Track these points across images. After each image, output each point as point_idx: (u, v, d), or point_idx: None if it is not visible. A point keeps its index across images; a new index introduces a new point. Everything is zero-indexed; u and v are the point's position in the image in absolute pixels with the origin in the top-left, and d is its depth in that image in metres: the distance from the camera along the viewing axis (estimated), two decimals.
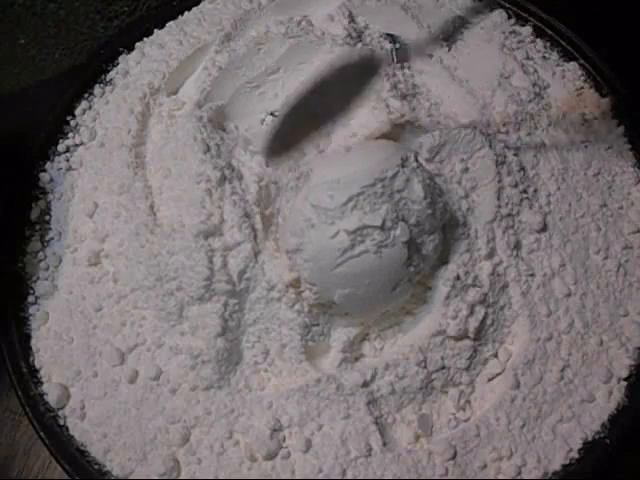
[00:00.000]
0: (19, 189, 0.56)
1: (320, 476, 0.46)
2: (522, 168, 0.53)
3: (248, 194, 0.50)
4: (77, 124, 0.59)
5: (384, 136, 0.52)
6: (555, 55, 0.62)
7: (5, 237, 0.54)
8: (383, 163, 0.46)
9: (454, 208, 0.50)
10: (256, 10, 0.62)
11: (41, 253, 0.54)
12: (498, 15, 0.63)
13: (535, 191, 0.53)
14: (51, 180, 0.57)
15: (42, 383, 0.50)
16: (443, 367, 0.48)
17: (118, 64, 0.61)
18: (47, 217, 0.56)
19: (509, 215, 0.52)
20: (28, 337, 0.51)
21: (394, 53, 0.58)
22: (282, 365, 0.48)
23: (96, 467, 0.47)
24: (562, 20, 0.62)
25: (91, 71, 0.61)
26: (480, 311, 0.49)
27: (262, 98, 0.58)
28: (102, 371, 0.50)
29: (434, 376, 0.48)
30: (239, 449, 0.47)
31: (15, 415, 0.56)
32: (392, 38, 0.59)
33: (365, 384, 0.47)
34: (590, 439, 0.47)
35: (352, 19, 0.59)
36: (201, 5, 0.64)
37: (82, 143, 0.58)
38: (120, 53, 0.62)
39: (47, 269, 0.53)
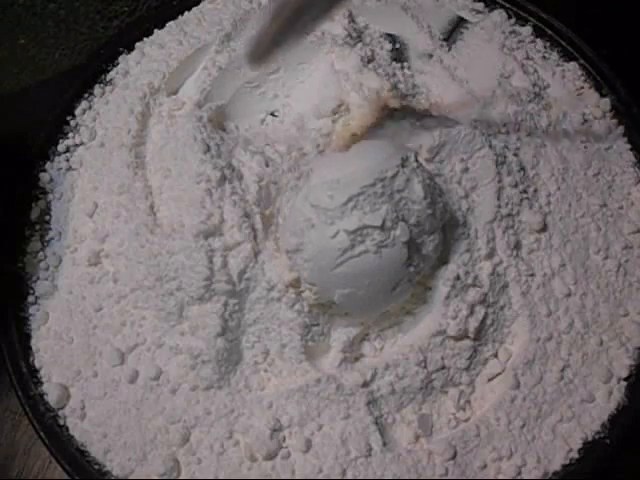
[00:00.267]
0: (19, 189, 0.56)
1: (320, 476, 0.46)
2: (522, 168, 0.53)
3: (248, 194, 0.50)
4: (77, 124, 0.59)
5: (379, 120, 0.52)
6: (555, 55, 0.62)
7: (5, 237, 0.54)
8: (383, 163, 0.46)
9: (454, 208, 0.50)
10: (256, 10, 0.62)
11: (41, 253, 0.54)
12: (498, 15, 0.63)
13: (535, 191, 0.53)
14: (51, 180, 0.57)
15: (42, 383, 0.50)
16: (443, 367, 0.48)
17: (118, 64, 0.61)
18: (47, 217, 0.56)
19: (509, 215, 0.52)
20: (28, 337, 0.51)
21: (394, 53, 0.58)
22: (282, 365, 0.48)
23: (96, 467, 0.47)
24: (562, 20, 0.62)
25: (91, 71, 0.61)
26: (480, 311, 0.49)
27: (262, 98, 0.58)
28: (102, 371, 0.50)
29: (434, 376, 0.48)
30: (239, 449, 0.47)
31: (15, 415, 0.56)
32: (392, 38, 0.59)
33: (365, 384, 0.47)
34: (590, 439, 0.47)
35: (352, 19, 0.59)
36: (201, 5, 0.64)
37: (82, 143, 0.58)
38: (120, 53, 0.62)
39: (47, 269, 0.53)
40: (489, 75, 0.58)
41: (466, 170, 0.52)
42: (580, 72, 0.60)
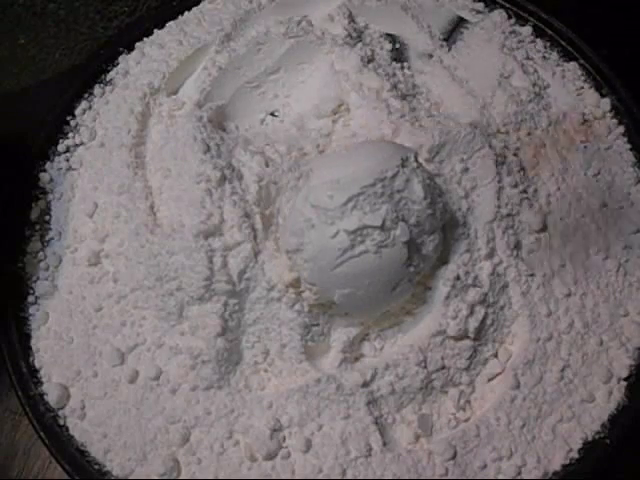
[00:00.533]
0: (19, 189, 0.56)
1: (320, 476, 0.46)
2: (522, 168, 0.53)
3: (248, 194, 0.50)
4: (77, 124, 0.59)
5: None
6: (555, 55, 0.62)
7: (5, 237, 0.54)
8: (383, 163, 0.46)
9: (454, 208, 0.50)
10: (256, 10, 0.62)
11: (41, 253, 0.54)
12: (498, 15, 0.63)
13: (535, 191, 0.53)
14: (51, 180, 0.57)
15: (42, 383, 0.50)
16: (443, 367, 0.48)
17: (118, 64, 0.61)
18: (47, 217, 0.56)
19: (509, 215, 0.51)
20: (28, 337, 0.51)
21: (394, 53, 0.58)
22: (282, 365, 0.48)
23: (96, 467, 0.47)
24: (562, 20, 0.62)
25: (91, 71, 0.61)
26: (480, 311, 0.49)
27: (262, 98, 0.58)
28: (102, 371, 0.50)
29: (434, 376, 0.48)
30: (239, 449, 0.47)
31: (15, 415, 0.56)
32: (392, 38, 0.59)
33: (365, 384, 0.47)
34: (590, 439, 0.47)
35: (352, 19, 0.59)
36: (201, 5, 0.64)
37: (82, 143, 0.58)
38: (120, 53, 0.62)
39: (47, 269, 0.53)
40: (489, 75, 0.58)
41: (466, 170, 0.51)
42: (580, 72, 0.60)
